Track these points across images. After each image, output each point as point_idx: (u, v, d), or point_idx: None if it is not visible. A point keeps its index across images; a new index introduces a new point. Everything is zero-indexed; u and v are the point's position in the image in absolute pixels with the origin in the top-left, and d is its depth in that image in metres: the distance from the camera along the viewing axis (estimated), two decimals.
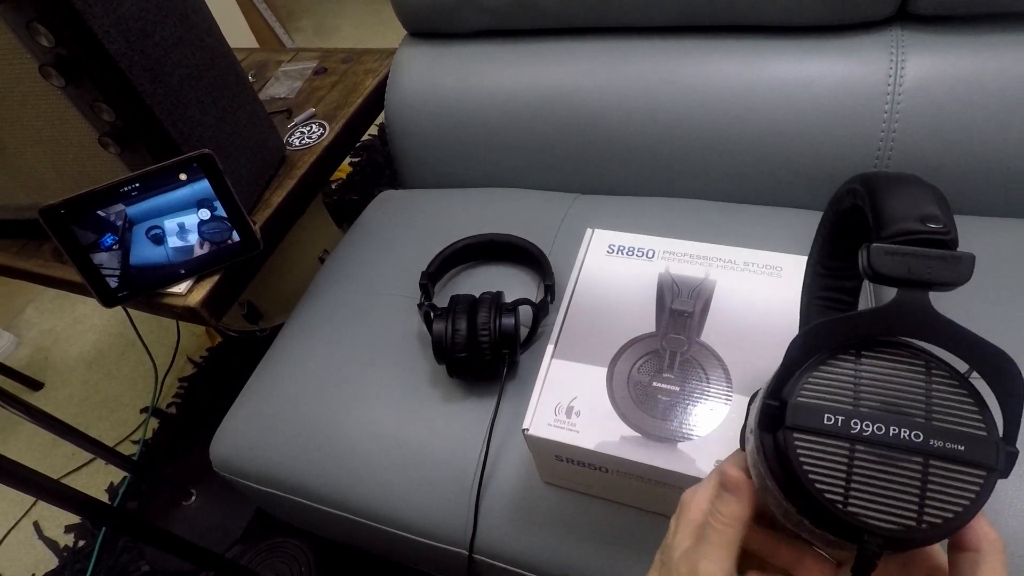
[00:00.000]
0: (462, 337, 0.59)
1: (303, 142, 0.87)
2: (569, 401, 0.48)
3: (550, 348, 0.51)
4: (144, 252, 0.66)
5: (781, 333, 0.47)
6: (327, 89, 0.97)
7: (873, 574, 0.25)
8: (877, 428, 0.25)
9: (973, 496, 0.24)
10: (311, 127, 0.89)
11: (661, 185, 0.80)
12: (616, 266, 0.55)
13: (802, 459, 0.26)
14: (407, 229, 0.84)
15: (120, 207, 0.63)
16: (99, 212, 0.62)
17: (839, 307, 0.36)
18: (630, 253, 0.55)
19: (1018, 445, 0.25)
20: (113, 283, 0.66)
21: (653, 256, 0.55)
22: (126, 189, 0.63)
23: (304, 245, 1.11)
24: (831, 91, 0.71)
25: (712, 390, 0.46)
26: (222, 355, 1.31)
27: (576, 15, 0.81)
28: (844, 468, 0.25)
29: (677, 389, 0.46)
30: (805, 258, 0.51)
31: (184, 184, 0.65)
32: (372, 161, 1.65)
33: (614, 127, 0.80)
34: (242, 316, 1.09)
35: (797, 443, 0.26)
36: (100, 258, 0.65)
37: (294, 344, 0.75)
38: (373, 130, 1.67)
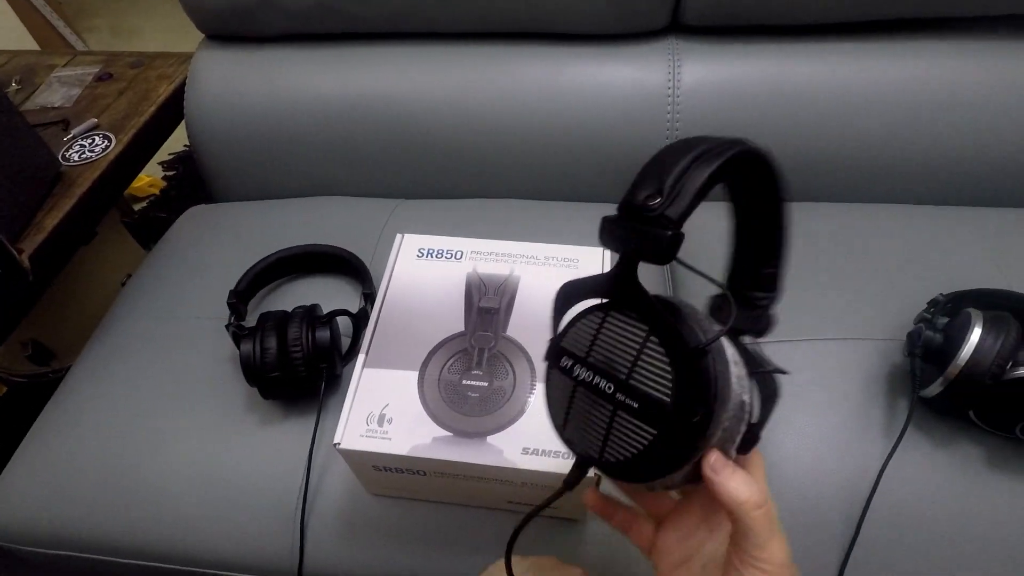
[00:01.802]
0: (272, 355, 0.56)
1: (83, 156, 0.77)
2: (381, 409, 0.47)
3: (361, 357, 0.50)
4: None
5: None
6: (113, 97, 0.87)
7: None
8: (588, 375, 0.30)
9: (642, 447, 0.27)
10: (93, 139, 0.79)
11: (476, 186, 0.82)
12: (426, 269, 0.55)
13: (549, 389, 0.33)
14: (217, 246, 0.78)
15: None
16: None
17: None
18: (439, 255, 0.56)
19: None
20: None
21: (461, 257, 0.56)
22: None
23: (101, 271, 0.99)
24: (621, 94, 0.78)
25: (519, 381, 0.48)
26: (7, 405, 1.12)
27: (380, 20, 0.80)
28: (566, 402, 0.31)
29: (485, 384, 0.48)
30: (598, 249, 0.55)
31: None
32: (189, 174, 1.52)
33: (426, 131, 0.81)
34: (26, 358, 0.95)
35: (549, 376, 0.32)
36: None
37: (86, 383, 0.67)
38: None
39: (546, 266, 0.55)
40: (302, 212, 0.82)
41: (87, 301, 0.96)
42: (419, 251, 0.56)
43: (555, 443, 0.44)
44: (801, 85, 0.76)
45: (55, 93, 0.88)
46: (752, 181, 0.31)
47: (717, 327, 0.28)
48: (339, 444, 0.46)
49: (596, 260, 0.55)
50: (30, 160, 0.70)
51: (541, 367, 0.48)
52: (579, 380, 0.30)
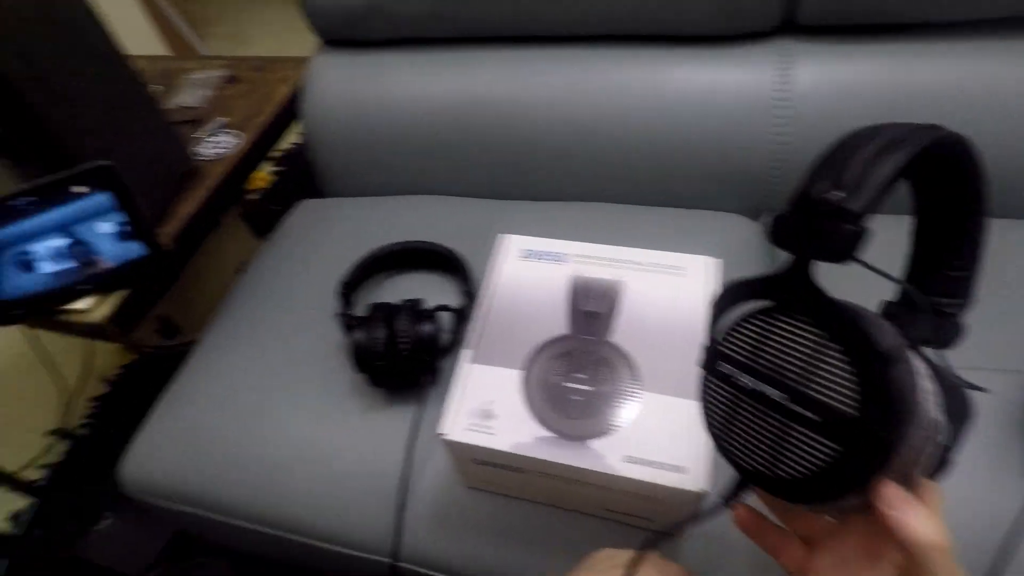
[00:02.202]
0: (381, 345, 0.59)
1: (213, 152, 0.84)
2: (486, 404, 0.48)
3: (467, 353, 0.52)
4: (16, 280, 0.62)
5: (685, 330, 0.50)
6: (238, 98, 0.94)
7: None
8: (754, 383, 0.27)
9: (822, 464, 0.25)
10: (222, 137, 0.86)
11: (577, 190, 0.82)
12: (530, 270, 0.56)
13: (705, 397, 0.30)
14: (326, 239, 0.83)
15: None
16: None
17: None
18: (543, 258, 0.57)
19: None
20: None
21: (565, 260, 0.56)
22: (18, 203, 0.59)
23: (221, 257, 1.07)
24: (727, 98, 0.76)
25: (622, 388, 0.48)
26: (137, 373, 1.24)
27: (489, 25, 0.82)
28: (728, 412, 0.28)
29: (589, 388, 0.48)
30: (706, 258, 0.54)
31: (82, 197, 0.62)
32: (296, 170, 1.61)
33: (529, 134, 0.82)
34: (157, 332, 1.05)
35: (706, 383, 0.30)
36: None
37: (209, 358, 0.73)
38: (297, 138, 1.63)
39: (652, 272, 0.54)
40: (406, 210, 0.85)
41: (208, 283, 1.04)
42: (523, 252, 0.57)
43: (660, 453, 0.44)
44: (927, 89, 0.71)
45: (189, 94, 0.96)
46: (944, 171, 0.28)
47: (899, 334, 0.25)
48: (444, 435, 0.47)
49: (702, 269, 0.54)
50: (171, 155, 0.77)
51: (646, 375, 0.49)
52: (742, 388, 0.28)
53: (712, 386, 0.30)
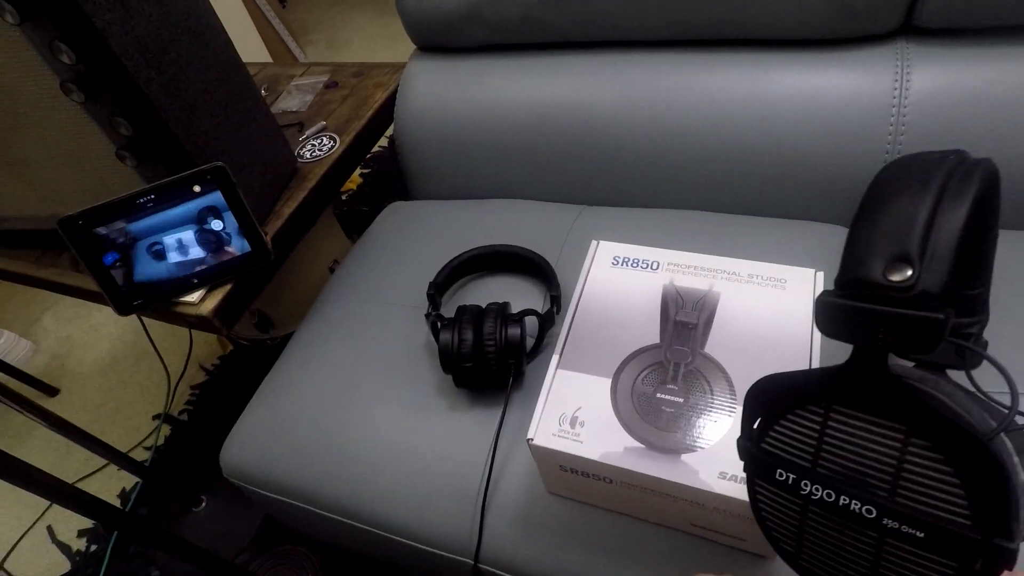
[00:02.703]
0: (468, 347, 0.60)
1: (314, 155, 0.88)
2: (573, 411, 0.48)
3: (555, 358, 0.51)
4: (147, 269, 0.68)
5: (785, 345, 0.48)
6: (338, 103, 0.99)
7: None
8: (827, 494, 0.23)
9: None
10: (321, 140, 0.91)
11: (667, 197, 0.80)
12: (621, 278, 0.55)
13: (760, 505, 0.26)
14: (415, 240, 0.85)
15: (121, 224, 0.65)
16: (98, 230, 0.64)
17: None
18: (635, 265, 0.56)
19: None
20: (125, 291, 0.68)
21: (657, 268, 0.55)
22: (142, 200, 0.64)
23: (314, 256, 1.12)
24: (836, 103, 0.72)
25: (716, 402, 0.46)
26: (233, 363, 1.33)
27: (580, 30, 0.82)
28: (796, 523, 0.24)
29: (681, 400, 0.47)
30: (810, 270, 0.52)
31: (198, 196, 0.66)
32: (383, 172, 1.67)
33: (619, 139, 0.81)
34: (253, 325, 1.11)
35: (758, 489, 0.26)
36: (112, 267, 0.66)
37: (303, 353, 0.76)
38: (383, 142, 1.69)
39: (749, 284, 0.52)
40: (492, 213, 0.86)
41: (302, 280, 1.10)
42: (614, 259, 0.57)
43: None
44: None
45: (293, 99, 1.01)
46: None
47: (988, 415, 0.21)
48: (532, 440, 0.47)
49: (808, 282, 0.51)
50: (277, 157, 0.81)
51: (741, 389, 0.47)
52: (811, 499, 0.23)
53: (767, 494, 0.26)
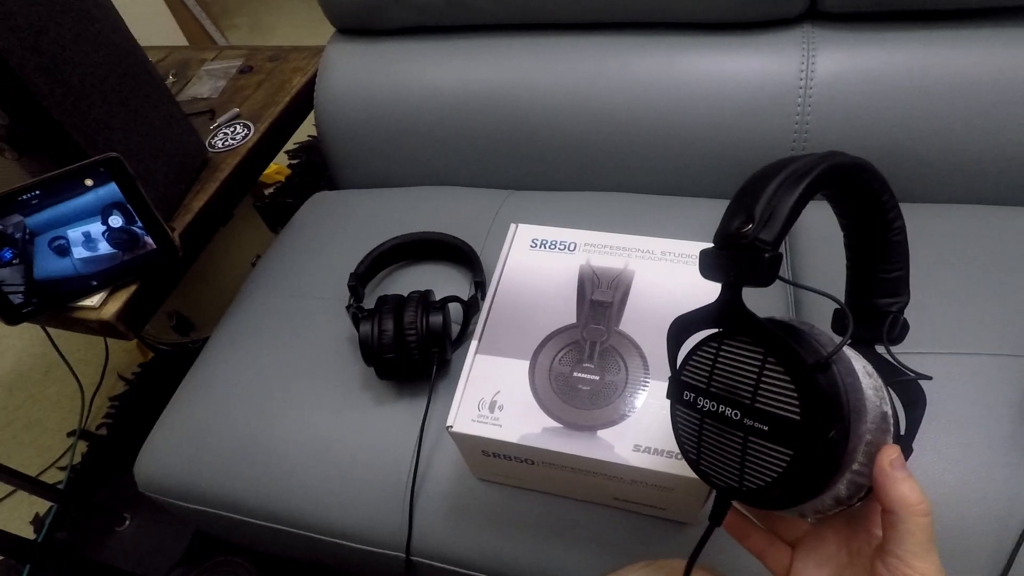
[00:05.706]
0: (389, 337, 0.58)
1: (226, 144, 0.84)
2: (492, 396, 0.47)
3: (474, 344, 0.51)
4: (48, 265, 0.62)
5: None
6: (253, 88, 0.94)
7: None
8: (712, 405, 0.30)
9: (780, 470, 0.27)
10: (235, 128, 0.86)
11: (590, 179, 0.81)
12: (539, 260, 0.55)
13: (677, 424, 0.33)
14: (339, 231, 0.82)
15: (18, 218, 0.59)
16: None
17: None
18: (552, 247, 0.56)
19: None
20: (17, 299, 0.63)
21: (575, 249, 0.55)
22: (25, 197, 0.59)
23: (235, 251, 1.07)
24: (746, 86, 0.74)
25: (631, 377, 0.47)
26: (155, 371, 1.25)
27: (503, 12, 0.81)
28: (696, 433, 0.31)
29: (597, 378, 0.47)
30: None
31: (90, 190, 0.62)
32: (311, 162, 1.62)
33: (543, 123, 0.81)
34: (171, 328, 1.05)
35: (675, 412, 0.33)
36: (1, 274, 0.61)
37: (220, 354, 0.73)
38: (313, 131, 1.64)
39: (662, 261, 0.53)
40: (417, 200, 0.84)
41: (222, 278, 1.05)
42: (533, 241, 0.56)
43: (668, 442, 0.43)
44: (952, 77, 0.69)
45: (204, 85, 0.96)
46: (853, 192, 0.31)
47: (833, 340, 0.28)
48: (451, 427, 0.47)
49: None
50: (184, 147, 0.77)
51: (654, 364, 0.47)
52: (704, 411, 0.30)
53: (680, 414, 0.32)
